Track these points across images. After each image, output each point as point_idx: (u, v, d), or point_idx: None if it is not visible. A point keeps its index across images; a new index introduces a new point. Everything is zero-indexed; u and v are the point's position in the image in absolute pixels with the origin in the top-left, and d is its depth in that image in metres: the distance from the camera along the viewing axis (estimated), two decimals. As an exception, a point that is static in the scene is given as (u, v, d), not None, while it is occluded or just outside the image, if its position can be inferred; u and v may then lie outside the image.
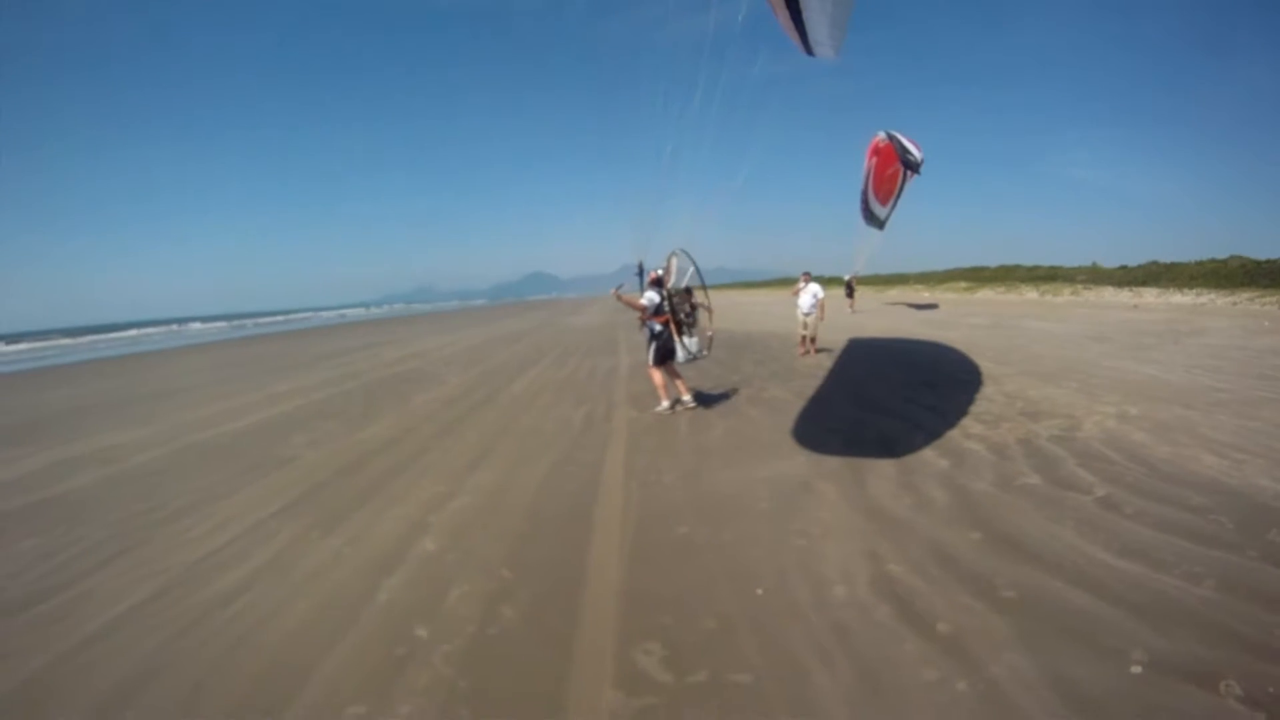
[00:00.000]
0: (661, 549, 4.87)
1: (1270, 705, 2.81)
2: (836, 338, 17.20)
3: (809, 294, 14.68)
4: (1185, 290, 25.08)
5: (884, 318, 25.16)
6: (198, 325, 73.94)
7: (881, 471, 6.23)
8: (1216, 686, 2.93)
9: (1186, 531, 4.50)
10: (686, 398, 9.52)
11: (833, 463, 6.65)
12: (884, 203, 22.66)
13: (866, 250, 27.05)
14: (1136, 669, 3.10)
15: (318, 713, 3.20)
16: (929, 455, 6.67)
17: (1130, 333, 16.00)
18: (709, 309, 9.65)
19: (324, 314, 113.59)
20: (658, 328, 9.18)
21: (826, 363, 13.49)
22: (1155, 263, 29.78)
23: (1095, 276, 31.83)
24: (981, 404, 8.77)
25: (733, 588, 4.17)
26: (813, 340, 14.93)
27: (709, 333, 9.65)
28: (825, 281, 22.74)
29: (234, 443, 9.55)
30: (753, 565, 4.47)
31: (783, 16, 6.12)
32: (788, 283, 15.46)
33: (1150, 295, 25.92)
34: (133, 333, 59.93)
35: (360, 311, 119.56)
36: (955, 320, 22.16)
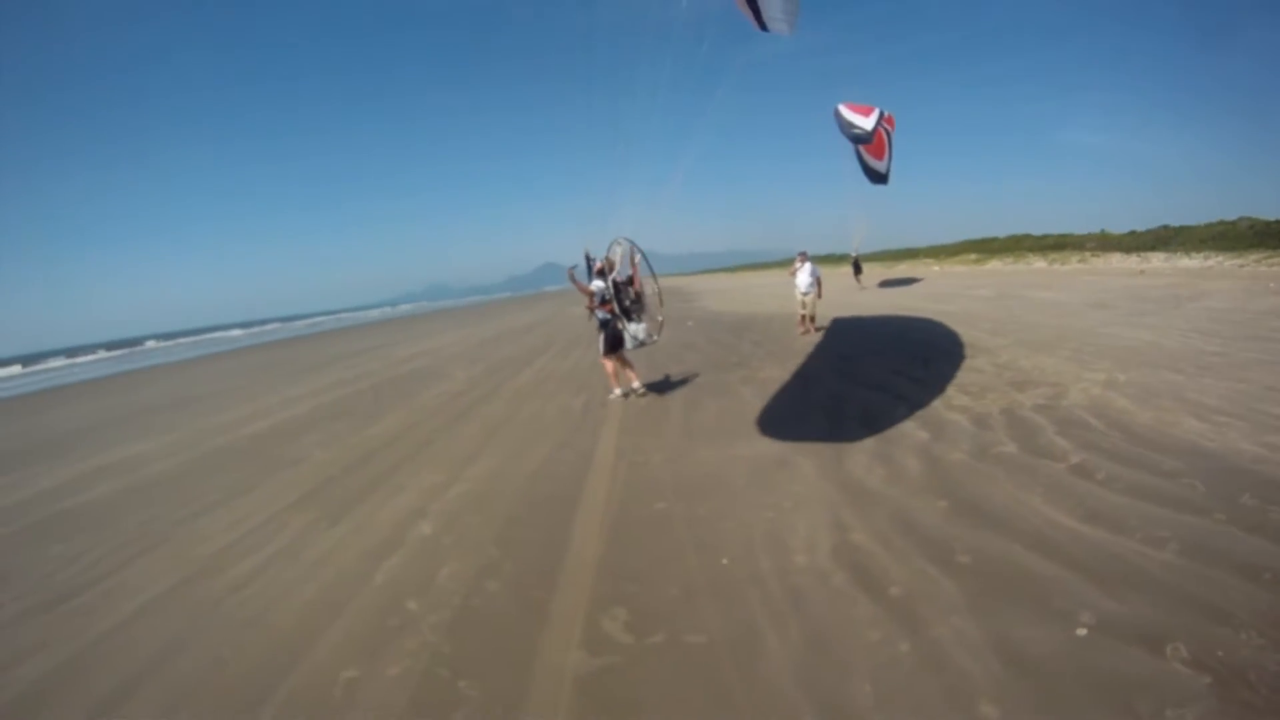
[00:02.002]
0: (639, 524, 5.14)
1: (1217, 668, 2.76)
2: (840, 315, 17.12)
3: (806, 273, 14.69)
4: (1193, 254, 24.24)
5: (887, 293, 24.97)
6: (237, 332, 76.00)
7: (861, 445, 6.33)
8: (1163, 649, 2.92)
9: (1155, 496, 4.47)
10: (636, 385, 9.70)
11: (815, 438, 6.77)
12: (880, 158, 22.78)
13: (863, 226, 27.89)
14: (1082, 631, 3.12)
15: (318, 675, 3.57)
16: (909, 427, 6.73)
17: (1132, 299, 15.63)
18: (659, 295, 9.69)
19: (341, 316, 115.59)
20: (606, 317, 9.32)
21: (826, 341, 13.47)
22: (1165, 227, 28.74)
23: (1103, 243, 30.77)
24: (970, 375, 8.76)
25: (700, 558, 4.42)
26: (812, 319, 14.90)
27: (659, 318, 9.68)
28: (831, 260, 22.64)
29: (249, 446, 9.94)
30: (722, 537, 4.70)
31: None
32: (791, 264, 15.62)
33: (1158, 260, 25.16)
34: (158, 344, 61.35)
35: (377, 312, 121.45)
36: (958, 293, 21.87)
